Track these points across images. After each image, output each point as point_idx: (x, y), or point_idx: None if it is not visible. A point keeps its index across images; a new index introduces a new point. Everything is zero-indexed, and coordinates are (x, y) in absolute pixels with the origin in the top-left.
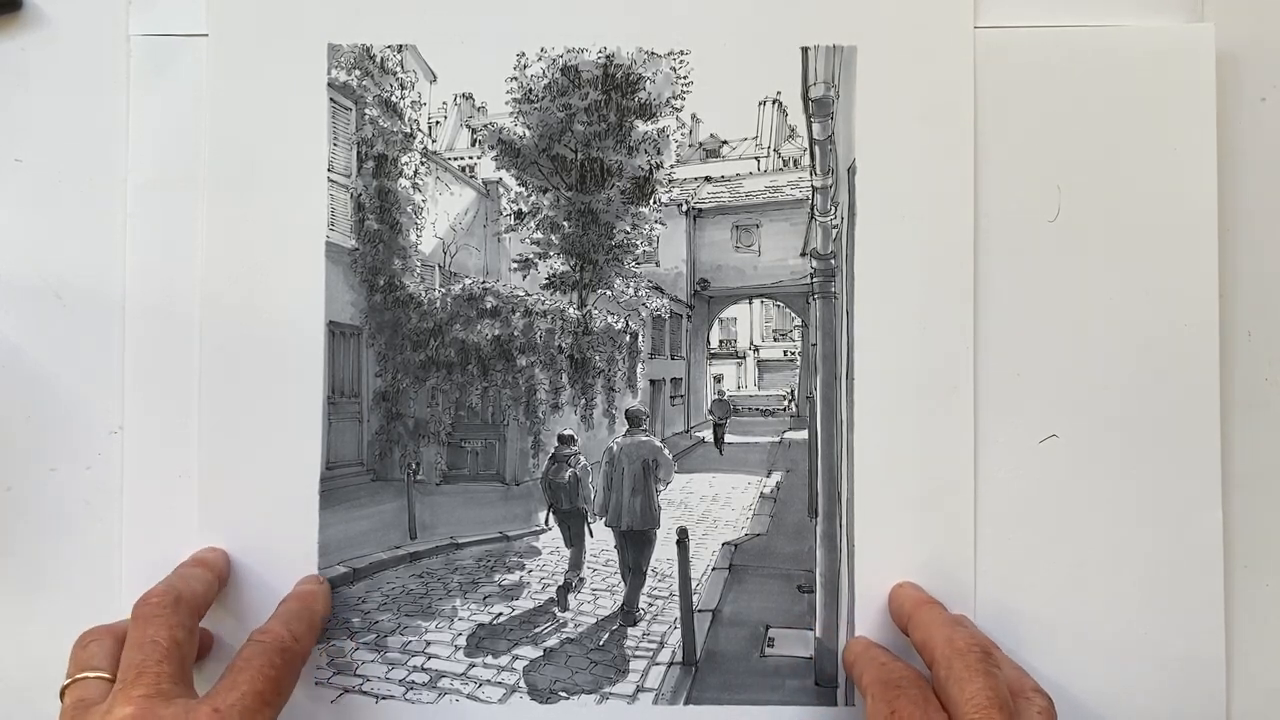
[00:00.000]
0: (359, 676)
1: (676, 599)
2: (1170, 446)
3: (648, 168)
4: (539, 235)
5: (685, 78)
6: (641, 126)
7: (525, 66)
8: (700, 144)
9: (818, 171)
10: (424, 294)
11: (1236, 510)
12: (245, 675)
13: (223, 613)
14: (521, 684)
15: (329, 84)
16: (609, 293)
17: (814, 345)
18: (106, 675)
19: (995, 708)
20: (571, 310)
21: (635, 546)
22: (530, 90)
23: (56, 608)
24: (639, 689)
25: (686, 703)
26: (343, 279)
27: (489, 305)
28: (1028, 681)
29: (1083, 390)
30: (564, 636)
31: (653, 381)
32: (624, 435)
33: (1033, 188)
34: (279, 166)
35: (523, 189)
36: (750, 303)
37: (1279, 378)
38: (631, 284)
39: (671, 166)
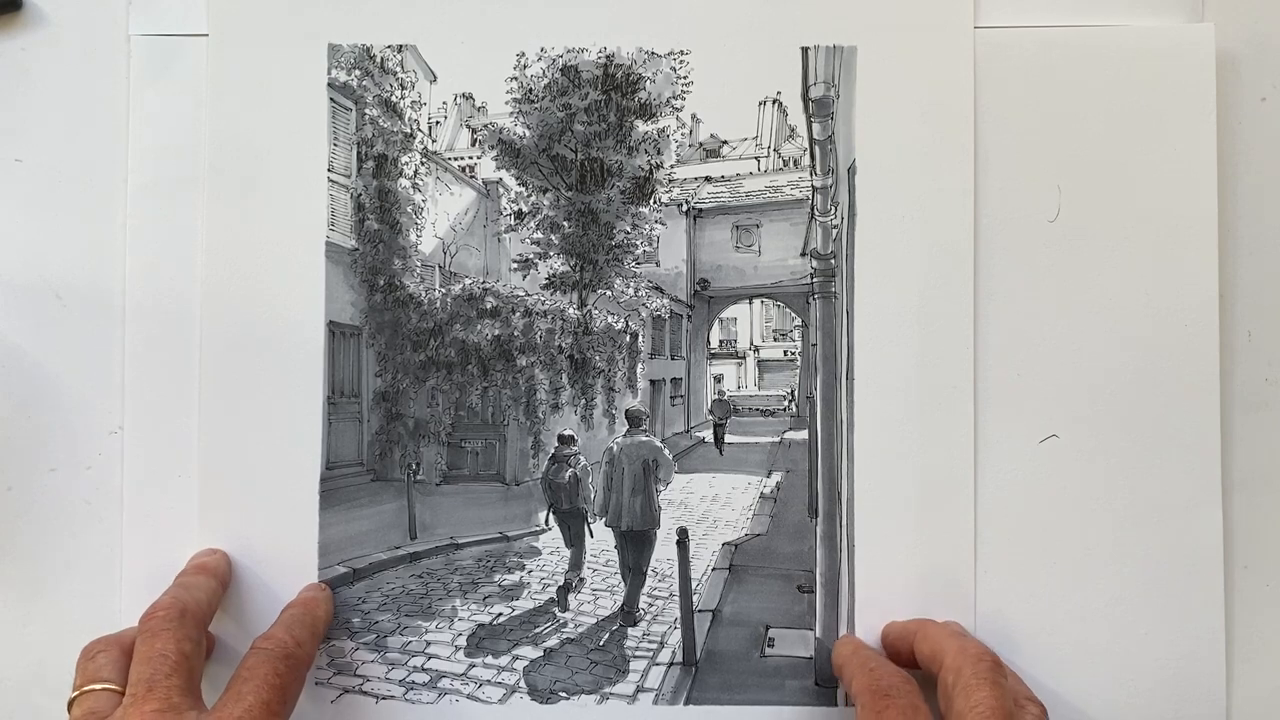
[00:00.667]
0: (359, 676)
1: (676, 599)
2: (1170, 446)
3: (648, 168)
4: (539, 235)
5: (685, 78)
6: (641, 126)
7: (525, 66)
8: (700, 144)
9: (818, 171)
10: (424, 294)
11: (1236, 510)
12: (250, 685)
13: (222, 614)
14: (521, 684)
15: (329, 84)
16: (609, 293)
17: (814, 345)
18: (115, 687)
19: (999, 717)
20: (571, 310)
21: (635, 547)
22: (530, 90)
23: (57, 608)
24: (639, 689)
25: (686, 703)
26: (343, 279)
27: (489, 305)
28: (1023, 690)
29: (1083, 390)
30: (564, 637)
31: (653, 381)
32: (624, 435)
33: (1033, 188)
34: (279, 166)
35: (523, 189)
36: (750, 303)
37: (1279, 378)
38: (631, 284)
39: (671, 166)
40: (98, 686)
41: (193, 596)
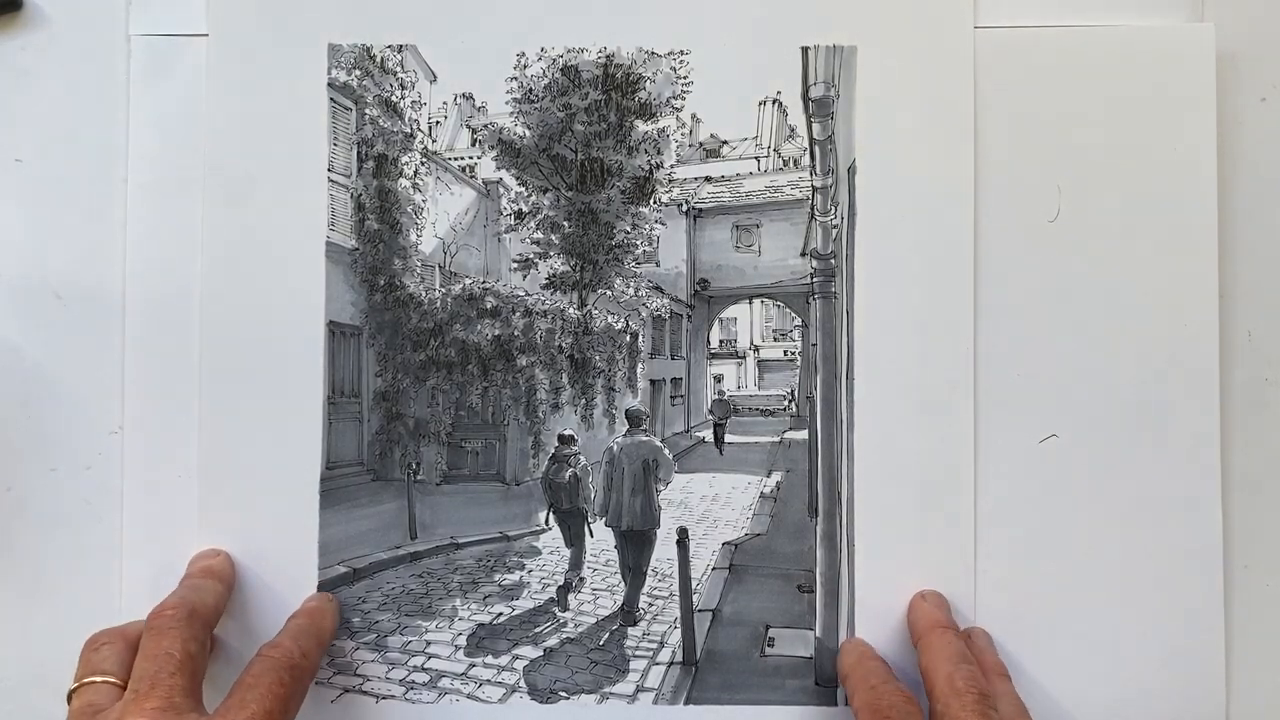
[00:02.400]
0: (359, 676)
1: (676, 599)
2: (1170, 446)
3: (648, 168)
4: (539, 235)
5: (685, 78)
6: (641, 126)
7: (525, 66)
8: (700, 144)
9: (818, 171)
10: (424, 294)
11: (1236, 510)
12: (255, 694)
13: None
14: (522, 684)
15: (329, 84)
16: (609, 293)
17: (814, 345)
18: (116, 681)
19: None
20: (571, 310)
21: (635, 546)
22: (530, 90)
23: (56, 608)
24: (639, 689)
25: (686, 703)
26: (343, 279)
27: (489, 305)
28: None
29: (1083, 390)
30: (564, 636)
31: (653, 381)
32: (624, 435)
33: (1033, 188)
34: (279, 166)
35: (523, 189)
36: (750, 303)
37: (1279, 378)
38: (631, 284)
39: (671, 166)
40: (98, 679)
41: (200, 598)
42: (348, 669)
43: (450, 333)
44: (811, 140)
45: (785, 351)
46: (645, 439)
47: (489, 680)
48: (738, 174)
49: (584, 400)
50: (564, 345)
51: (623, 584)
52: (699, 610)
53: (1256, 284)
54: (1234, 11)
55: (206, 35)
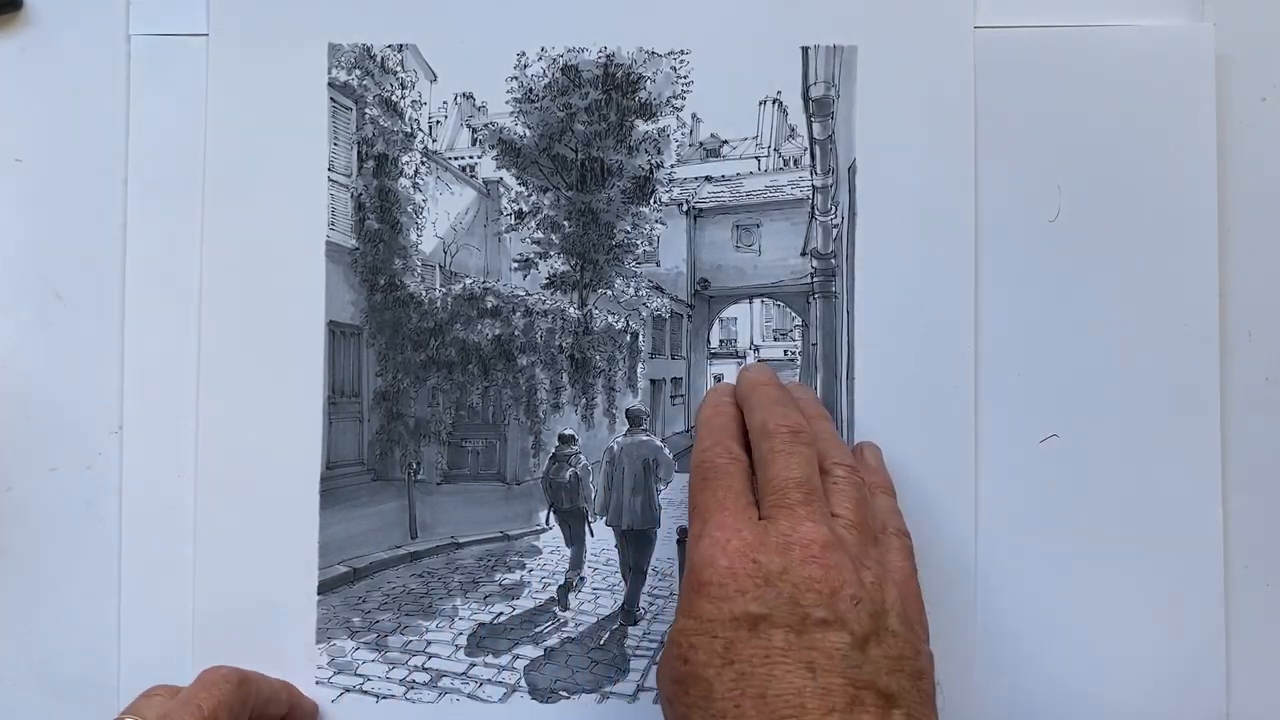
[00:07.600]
0: (359, 676)
1: (677, 598)
2: (1170, 446)
3: (648, 167)
4: (539, 235)
5: (685, 78)
6: (642, 126)
7: (525, 66)
8: (700, 144)
9: (818, 171)
10: (424, 294)
11: (1236, 510)
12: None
13: (213, 608)
14: (522, 683)
15: (329, 84)
16: (609, 292)
17: (814, 345)
18: None
19: (793, 487)
20: (572, 310)
21: (636, 546)
22: (530, 90)
23: (57, 608)
24: (640, 688)
25: None
26: (343, 279)
27: (489, 305)
28: (894, 521)
29: (1083, 390)
30: (565, 636)
31: (653, 381)
32: (624, 435)
33: (1033, 188)
34: (279, 166)
35: (523, 189)
36: (750, 302)
37: (1279, 377)
38: (632, 284)
39: (672, 166)
40: (128, 717)
41: (261, 681)
42: (348, 669)
43: (450, 332)
44: (811, 140)
45: (785, 351)
46: (646, 439)
47: (489, 680)
48: (738, 174)
49: (584, 400)
50: (564, 345)
51: (623, 583)
52: None
53: (1256, 284)
54: (1234, 12)
55: (206, 35)
